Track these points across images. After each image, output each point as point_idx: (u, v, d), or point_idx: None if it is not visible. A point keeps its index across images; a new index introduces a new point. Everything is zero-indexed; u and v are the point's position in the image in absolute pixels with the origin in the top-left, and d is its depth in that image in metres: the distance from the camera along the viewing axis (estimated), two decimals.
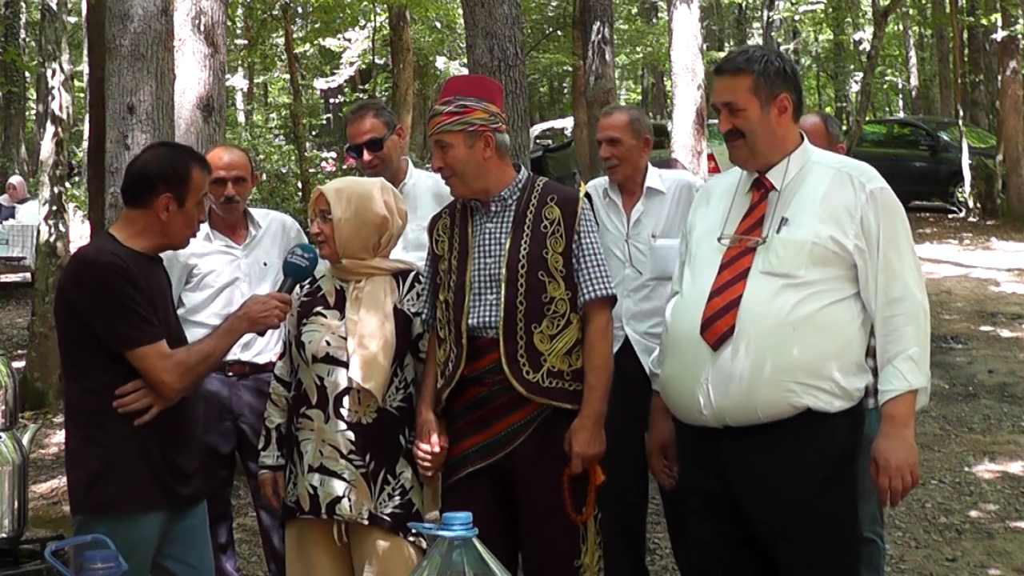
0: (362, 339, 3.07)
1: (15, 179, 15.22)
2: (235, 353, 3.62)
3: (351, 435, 3.07)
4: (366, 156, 3.96)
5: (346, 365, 3.08)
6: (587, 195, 3.16)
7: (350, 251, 3.17)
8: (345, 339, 3.10)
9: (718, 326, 2.73)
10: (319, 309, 3.19)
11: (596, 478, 3.02)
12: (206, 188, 3.00)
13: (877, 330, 2.74)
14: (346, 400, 3.09)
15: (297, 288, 3.23)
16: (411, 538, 3.06)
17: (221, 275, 3.99)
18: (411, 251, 3.70)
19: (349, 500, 3.05)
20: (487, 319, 3.03)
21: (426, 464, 3.07)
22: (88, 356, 2.84)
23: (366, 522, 3.06)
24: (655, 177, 3.98)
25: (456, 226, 3.18)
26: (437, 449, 3.06)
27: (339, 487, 3.06)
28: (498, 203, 3.12)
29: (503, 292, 3.02)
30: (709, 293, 2.78)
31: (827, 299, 2.71)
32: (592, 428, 2.99)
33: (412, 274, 3.26)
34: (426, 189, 4.00)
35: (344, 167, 16.86)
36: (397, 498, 3.09)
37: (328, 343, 3.11)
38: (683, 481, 3.02)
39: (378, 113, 4.01)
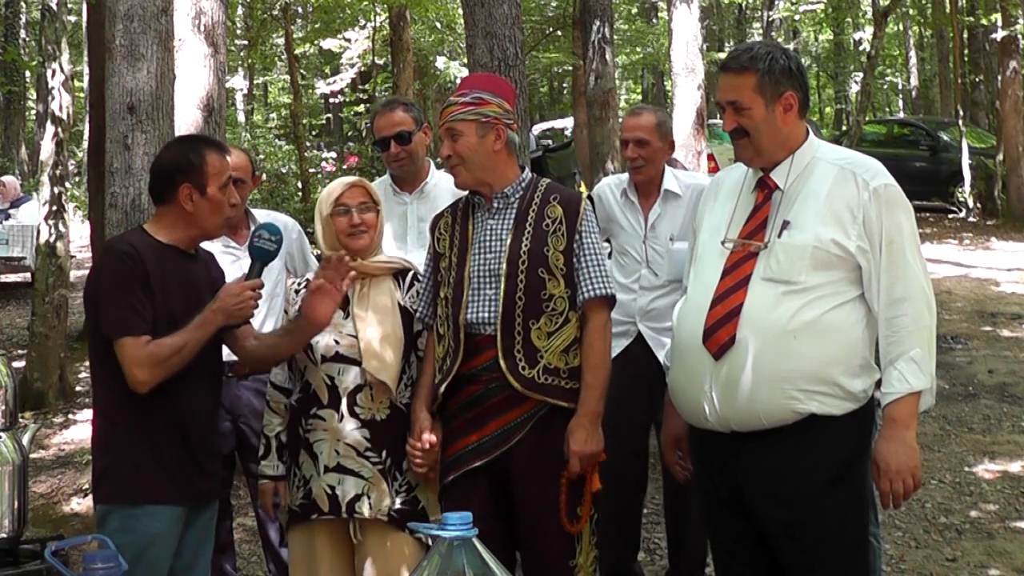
0: (373, 334, 3.09)
1: (7, 179, 15.12)
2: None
3: (366, 432, 3.08)
4: (393, 148, 3.94)
5: (356, 363, 3.09)
6: (590, 197, 3.17)
7: (378, 244, 3.23)
8: (353, 337, 3.11)
9: (719, 335, 2.72)
10: None
11: (593, 485, 3.01)
12: (228, 172, 3.02)
13: (880, 330, 2.71)
14: (359, 397, 3.10)
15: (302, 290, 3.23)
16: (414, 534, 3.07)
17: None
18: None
19: (368, 498, 3.06)
20: (485, 314, 3.03)
21: (417, 461, 3.08)
22: (103, 343, 2.88)
23: (386, 519, 3.07)
24: (672, 179, 4.04)
25: (457, 223, 3.18)
26: (428, 446, 3.06)
27: (358, 485, 3.07)
28: (500, 200, 3.12)
29: (502, 287, 3.02)
30: (711, 300, 2.76)
31: (829, 304, 2.69)
32: (589, 427, 2.99)
33: (411, 272, 3.28)
34: (447, 190, 3.97)
35: (344, 167, 16.87)
36: (404, 494, 3.11)
37: (337, 342, 3.12)
38: (695, 482, 3.03)
39: (408, 108, 4.02)
